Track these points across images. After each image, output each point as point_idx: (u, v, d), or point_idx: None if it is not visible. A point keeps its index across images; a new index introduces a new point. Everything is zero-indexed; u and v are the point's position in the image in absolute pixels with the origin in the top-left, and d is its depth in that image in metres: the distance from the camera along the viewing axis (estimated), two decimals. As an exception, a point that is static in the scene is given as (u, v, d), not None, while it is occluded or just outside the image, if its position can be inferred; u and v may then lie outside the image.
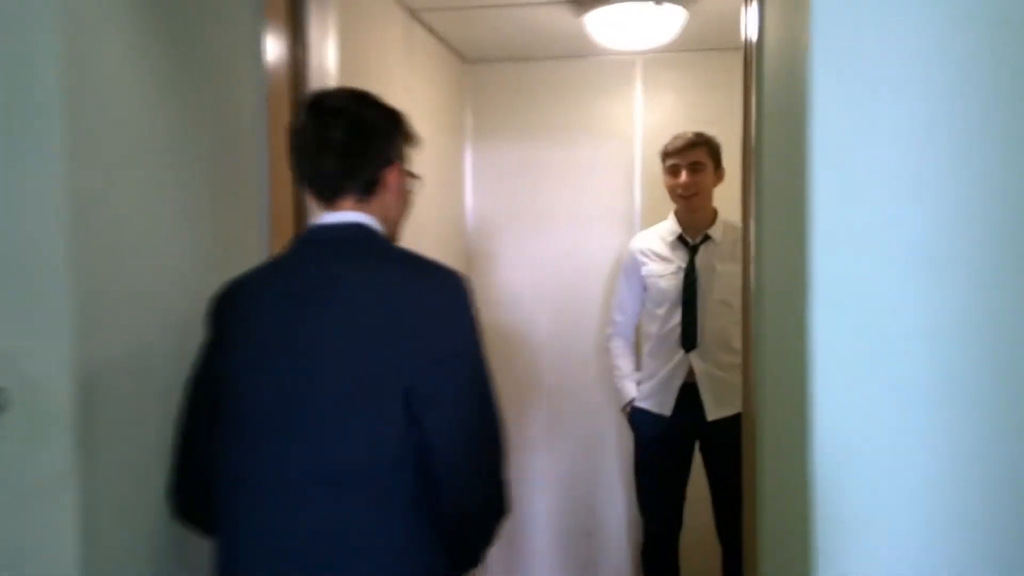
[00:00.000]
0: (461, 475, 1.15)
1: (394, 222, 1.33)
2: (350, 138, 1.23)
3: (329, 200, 1.26)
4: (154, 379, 1.29)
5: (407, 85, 2.73)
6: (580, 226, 3.47)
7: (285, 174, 1.58)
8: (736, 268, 2.54)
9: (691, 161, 2.54)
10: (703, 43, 3.20)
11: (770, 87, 1.44)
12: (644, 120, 3.39)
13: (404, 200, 1.35)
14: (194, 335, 1.29)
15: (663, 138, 3.33)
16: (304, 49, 1.87)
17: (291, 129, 1.29)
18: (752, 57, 1.60)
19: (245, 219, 1.62)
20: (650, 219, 3.36)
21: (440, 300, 1.19)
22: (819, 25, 1.00)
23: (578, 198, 3.45)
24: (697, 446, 2.69)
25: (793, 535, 1.15)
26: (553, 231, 3.48)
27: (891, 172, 1.00)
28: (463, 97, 3.50)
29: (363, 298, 1.15)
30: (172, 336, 1.33)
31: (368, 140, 1.25)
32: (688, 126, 3.42)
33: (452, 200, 3.34)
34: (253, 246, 1.64)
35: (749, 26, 1.62)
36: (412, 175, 1.36)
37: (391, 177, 1.28)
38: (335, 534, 1.10)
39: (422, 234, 2.78)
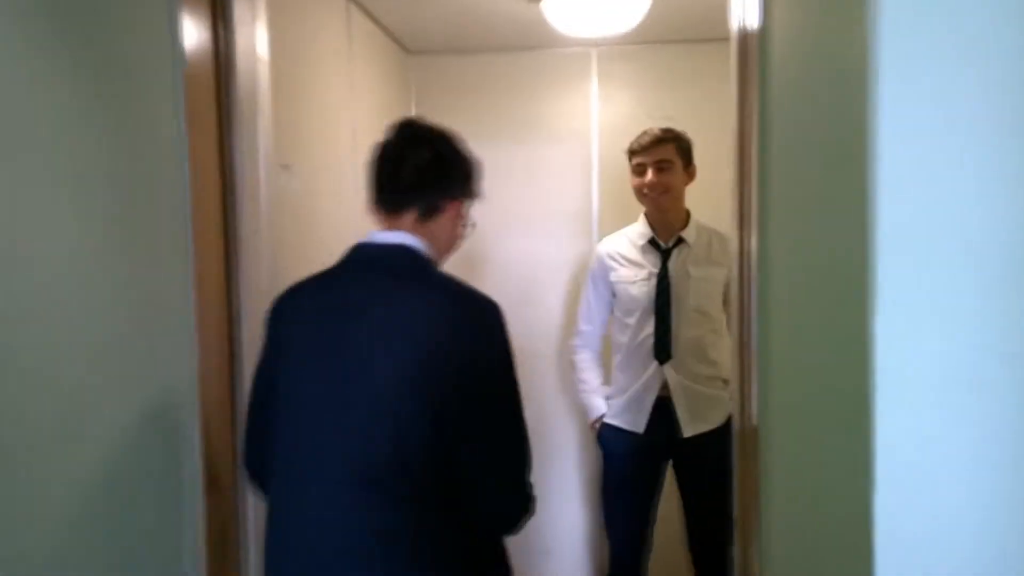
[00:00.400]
0: (491, 492, 1.29)
1: (440, 252, 1.44)
2: (433, 161, 1.39)
3: (393, 213, 1.39)
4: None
5: (346, 76, 2.47)
6: (534, 230, 3.26)
7: (208, 165, 1.31)
8: (712, 272, 2.37)
9: (658, 159, 2.36)
10: (664, 34, 3.04)
11: (781, 80, 1.26)
12: (601, 117, 3.20)
13: (454, 236, 1.48)
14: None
15: (621, 135, 3.17)
16: (229, 33, 1.61)
17: (379, 144, 1.43)
18: (750, 48, 1.42)
19: (158, 220, 1.36)
20: (608, 221, 3.19)
21: (474, 327, 1.30)
22: (886, 16, 0.82)
23: (532, 200, 3.24)
24: (670, 464, 2.51)
25: (831, 568, 0.98)
26: (505, 235, 3.26)
27: (968, 174, 0.82)
28: (407, 91, 3.25)
29: (403, 314, 1.26)
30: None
31: (447, 169, 1.42)
32: (648, 123, 3.25)
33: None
34: (169, 250, 1.39)
35: (747, 14, 1.43)
36: (468, 219, 1.50)
37: (451, 209, 1.43)
38: (361, 525, 1.22)
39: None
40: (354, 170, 2.50)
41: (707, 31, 3.04)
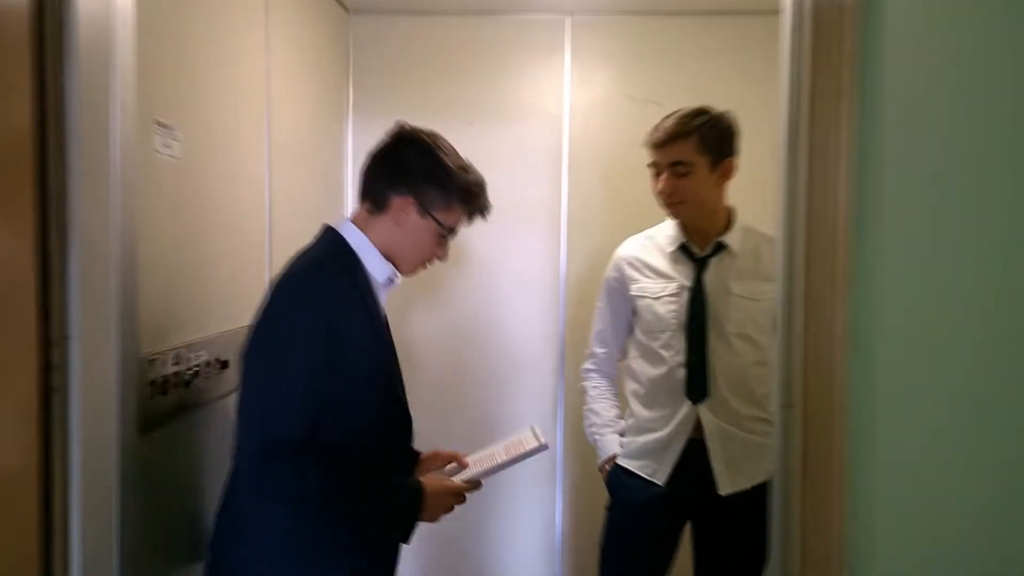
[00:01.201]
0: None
1: (398, 253, 1.50)
2: (390, 152, 1.49)
3: (359, 201, 1.52)
4: None
5: (261, 31, 1.94)
6: (491, 227, 2.77)
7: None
8: (760, 289, 1.86)
9: (673, 161, 1.84)
10: (651, 4, 2.60)
11: (911, 62, 0.83)
12: (574, 97, 2.73)
13: (414, 241, 1.49)
14: None
15: (597, 119, 2.72)
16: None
17: None
18: (831, 20, 0.99)
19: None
20: (580, 220, 2.73)
21: (270, 291, 1.39)
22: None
23: (490, 192, 2.75)
24: (689, 524, 2.01)
25: None
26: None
27: None
28: (344, 56, 2.73)
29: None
30: None
31: (399, 162, 1.47)
32: (626, 106, 2.80)
33: (328, 191, 2.57)
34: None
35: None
36: (437, 222, 1.49)
37: (396, 207, 1.46)
38: None
39: (289, 233, 2.04)
40: (268, 138, 1.98)
41: (703, 3, 2.61)
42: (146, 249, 1.38)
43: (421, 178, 1.45)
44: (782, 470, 1.23)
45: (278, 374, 1.33)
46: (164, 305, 1.45)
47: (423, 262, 1.53)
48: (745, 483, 1.87)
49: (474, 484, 1.57)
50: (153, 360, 1.39)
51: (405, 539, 1.47)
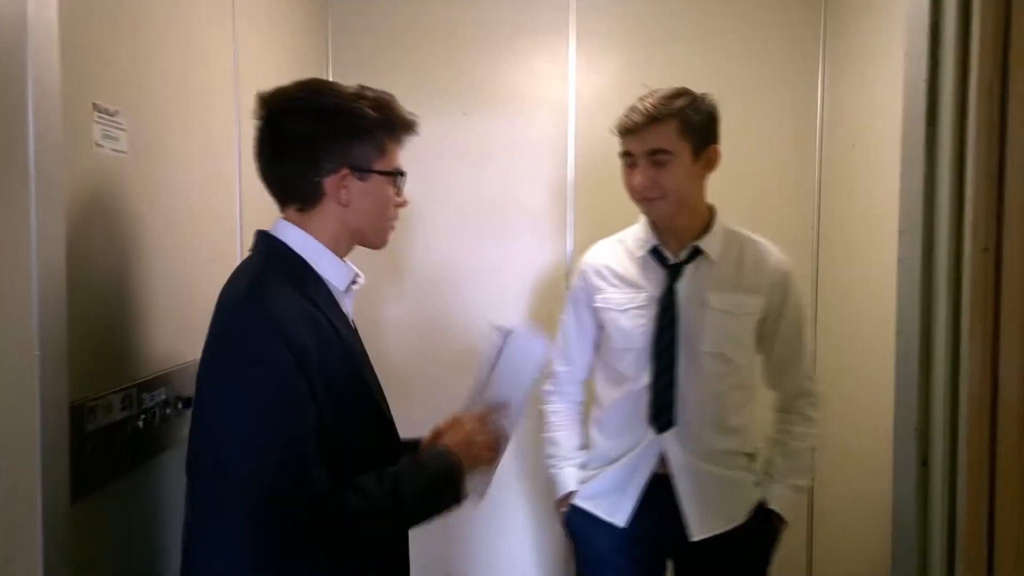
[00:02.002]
0: None
1: (361, 231, 1.27)
2: (271, 151, 1.21)
3: (281, 209, 1.25)
4: None
5: (227, 20, 1.67)
6: (490, 228, 2.51)
7: None
8: (742, 302, 1.63)
9: (650, 149, 1.56)
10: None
11: None
12: (580, 85, 2.48)
13: (369, 209, 1.25)
14: None
15: (605, 110, 2.44)
16: None
17: None
18: None
19: None
20: (588, 220, 2.47)
21: (215, 319, 1.15)
22: None
23: (488, 190, 2.50)
24: (671, 566, 1.77)
25: None
26: (451, 235, 2.50)
27: None
28: (322, 39, 2.45)
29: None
30: None
31: (285, 154, 1.20)
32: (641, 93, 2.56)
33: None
34: None
35: None
36: (383, 173, 1.24)
37: (332, 185, 1.20)
38: None
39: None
40: (238, 132, 1.70)
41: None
42: (80, 266, 1.10)
43: (334, 140, 1.18)
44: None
45: (264, 422, 1.07)
46: (105, 336, 1.17)
47: (391, 222, 1.30)
48: (719, 526, 1.63)
49: (486, 407, 1.37)
50: (93, 407, 1.11)
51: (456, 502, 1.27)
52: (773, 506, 1.66)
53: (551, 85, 2.48)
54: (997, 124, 0.83)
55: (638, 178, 1.58)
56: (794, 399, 1.73)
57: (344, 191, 1.20)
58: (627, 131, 1.60)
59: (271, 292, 1.13)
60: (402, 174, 1.28)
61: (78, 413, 1.07)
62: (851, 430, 2.23)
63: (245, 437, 1.07)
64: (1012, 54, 0.83)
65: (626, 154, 1.62)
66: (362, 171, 1.20)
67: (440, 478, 1.23)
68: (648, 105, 1.56)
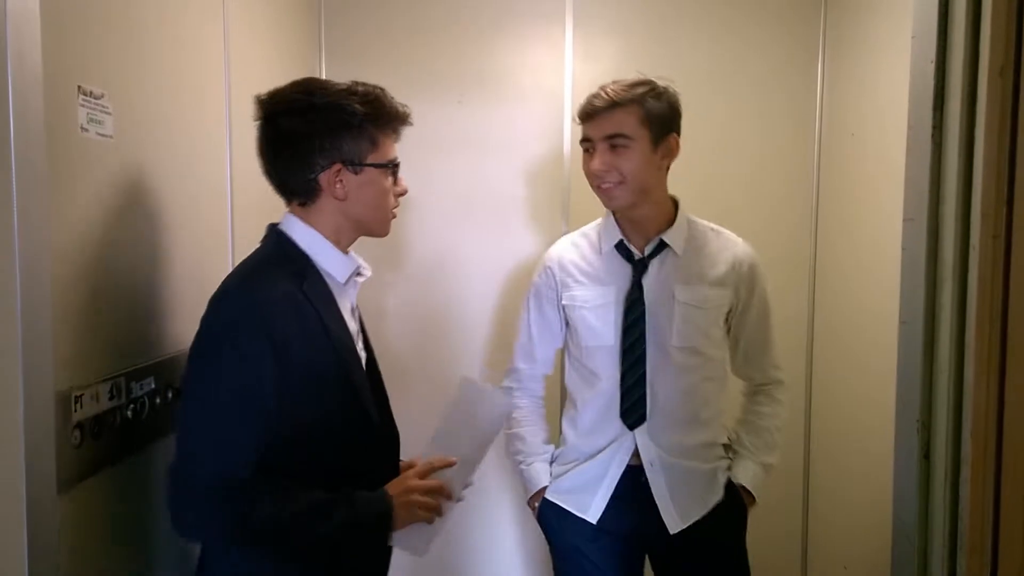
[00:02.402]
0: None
1: (363, 222, 1.31)
2: (271, 151, 1.26)
3: (286, 203, 1.30)
4: None
5: (217, 5, 1.64)
6: (484, 220, 2.48)
7: None
8: (709, 295, 1.62)
9: (608, 133, 1.55)
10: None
11: None
12: (577, 74, 2.45)
13: (368, 201, 1.29)
14: None
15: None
16: None
17: None
18: None
19: None
20: (584, 212, 2.44)
21: (206, 313, 1.16)
22: None
23: (482, 180, 2.47)
24: (648, 559, 1.77)
25: None
26: (445, 226, 2.47)
27: None
28: (315, 30, 2.42)
29: None
30: None
31: (281, 153, 1.25)
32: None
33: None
34: None
35: None
36: (376, 166, 1.27)
37: (327, 180, 1.25)
38: None
39: (257, 227, 1.74)
40: (228, 118, 1.67)
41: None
42: (65, 253, 1.07)
43: (326, 137, 1.22)
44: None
45: (219, 405, 1.12)
46: (92, 325, 1.14)
47: (391, 211, 1.34)
48: (697, 513, 1.64)
49: (438, 461, 1.33)
50: (79, 396, 1.08)
51: (379, 548, 1.28)
52: (742, 481, 1.66)
53: (548, 73, 2.45)
54: (1009, 108, 0.81)
55: (595, 162, 1.57)
56: (761, 385, 1.75)
57: (339, 185, 1.24)
58: (587, 116, 1.59)
59: (261, 284, 1.16)
60: (396, 165, 1.30)
61: (64, 402, 1.04)
62: (850, 422, 2.22)
63: (198, 419, 1.12)
64: (1024, 36, 0.80)
65: (585, 139, 1.61)
66: (355, 165, 1.24)
67: (365, 522, 1.21)
68: (609, 91, 1.56)
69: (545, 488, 1.73)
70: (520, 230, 2.48)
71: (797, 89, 2.43)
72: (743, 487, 1.66)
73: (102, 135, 1.17)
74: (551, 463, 1.76)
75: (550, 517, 1.72)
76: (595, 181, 1.59)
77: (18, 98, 0.92)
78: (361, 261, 1.34)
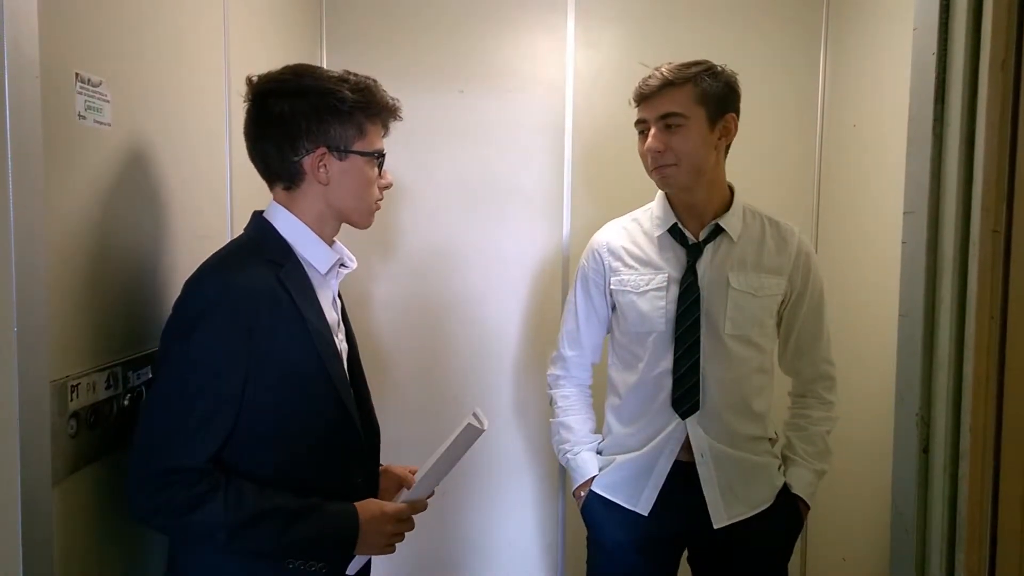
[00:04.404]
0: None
1: (343, 210, 1.29)
2: (255, 130, 1.25)
3: (270, 188, 1.29)
4: None
5: (216, 0, 1.62)
6: (485, 210, 2.47)
7: None
8: (764, 282, 1.60)
9: (663, 113, 1.53)
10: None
11: None
12: (579, 64, 2.43)
13: (350, 189, 1.27)
14: None
15: (604, 90, 2.43)
16: None
17: None
18: None
19: None
20: (584, 203, 2.44)
21: (178, 300, 1.16)
22: None
23: (482, 171, 2.46)
24: (685, 556, 1.75)
25: None
26: (445, 216, 2.47)
27: None
28: (315, 19, 2.40)
29: None
30: None
31: (267, 133, 1.24)
32: (640, 73, 2.54)
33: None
34: None
35: None
36: (362, 154, 1.26)
37: (311, 164, 1.24)
38: None
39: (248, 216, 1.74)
40: (228, 108, 1.66)
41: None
42: (62, 241, 1.07)
43: (313, 120, 1.21)
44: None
45: (181, 388, 1.11)
46: (89, 313, 1.14)
47: (375, 203, 1.32)
48: (744, 512, 1.61)
49: (418, 503, 1.31)
50: (76, 385, 1.08)
51: (337, 570, 1.24)
52: (798, 491, 1.63)
53: (549, 62, 2.43)
54: (1010, 101, 0.80)
55: (651, 141, 1.55)
56: (811, 383, 1.70)
57: (323, 170, 1.23)
58: (642, 97, 1.57)
59: (235, 271, 1.15)
60: (382, 155, 1.29)
61: (60, 391, 1.04)
62: (849, 415, 2.21)
63: (159, 401, 1.11)
64: (1027, 28, 0.79)
65: (640, 122, 1.59)
66: (340, 151, 1.23)
67: (328, 535, 1.19)
68: (664, 70, 1.55)
69: (594, 478, 1.70)
70: (520, 219, 2.47)
71: (799, 80, 2.42)
72: (799, 497, 1.63)
73: (100, 123, 1.16)
74: (598, 452, 1.74)
75: (597, 509, 1.68)
76: (650, 163, 1.58)
77: (14, 85, 0.91)
78: (347, 252, 1.33)
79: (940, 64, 0.91)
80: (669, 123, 1.53)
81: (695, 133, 1.54)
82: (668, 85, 1.53)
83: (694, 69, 1.54)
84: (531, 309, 2.49)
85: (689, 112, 1.53)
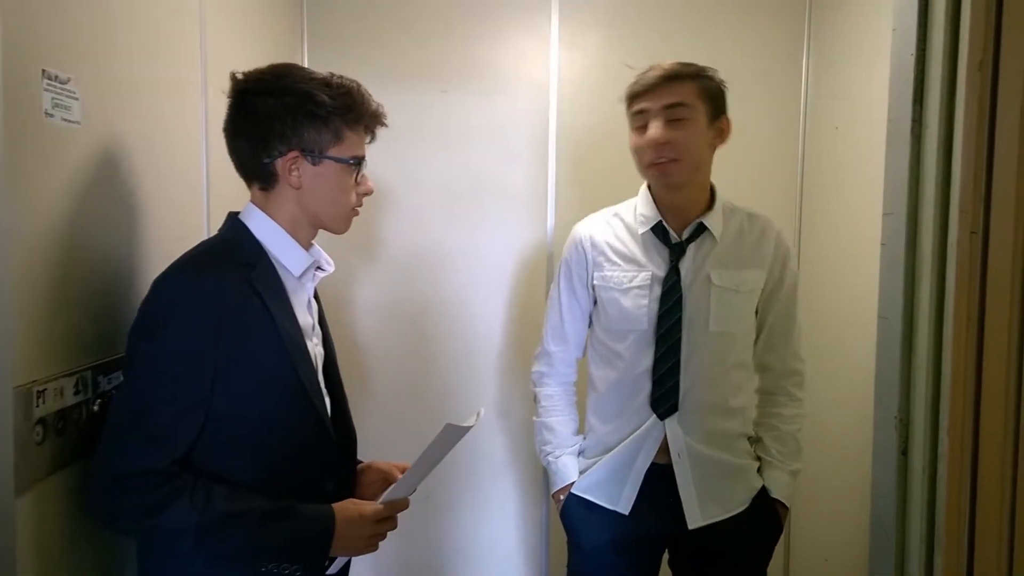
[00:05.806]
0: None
1: (317, 215, 1.26)
2: (232, 128, 1.23)
3: (248, 187, 1.27)
4: None
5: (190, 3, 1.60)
6: (468, 211, 2.46)
7: None
8: (745, 278, 1.58)
9: (668, 104, 1.50)
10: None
11: None
12: (563, 65, 2.42)
13: (324, 195, 1.24)
14: None
15: (588, 91, 2.42)
16: None
17: None
18: None
19: None
20: (568, 203, 2.43)
21: (144, 301, 1.13)
22: None
23: (466, 171, 2.44)
24: (666, 560, 1.74)
25: None
26: (430, 217, 2.45)
27: None
28: (296, 17, 2.38)
29: None
30: None
31: (242, 132, 1.22)
32: (626, 75, 2.53)
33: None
34: None
35: None
36: (336, 160, 1.23)
37: (284, 167, 1.21)
38: None
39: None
40: (205, 108, 1.64)
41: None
42: (27, 242, 1.04)
43: (288, 122, 1.18)
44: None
45: (144, 391, 1.08)
46: (57, 317, 1.11)
47: (352, 209, 1.28)
48: (718, 513, 1.60)
49: (399, 502, 1.27)
50: (42, 390, 1.06)
51: (313, 573, 1.20)
52: (776, 495, 1.62)
53: (533, 63, 2.42)
54: (987, 103, 0.80)
55: (653, 131, 1.50)
56: (781, 379, 1.69)
57: (295, 173, 1.20)
58: (645, 88, 1.52)
59: (203, 271, 1.13)
60: (359, 162, 1.25)
61: (24, 397, 1.01)
62: (829, 417, 2.21)
63: (123, 402, 1.09)
64: (1004, 30, 0.79)
65: (639, 113, 1.54)
66: (314, 156, 1.20)
67: (303, 538, 1.16)
68: (666, 64, 1.53)
69: (573, 483, 1.68)
70: (504, 219, 2.45)
71: (782, 82, 2.42)
72: (778, 500, 1.62)
73: (68, 121, 1.13)
74: (579, 454, 1.72)
75: (577, 512, 1.67)
76: (649, 156, 1.53)
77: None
78: (324, 256, 1.30)
79: (919, 65, 0.90)
80: (674, 115, 1.50)
81: (697, 128, 1.52)
82: (674, 77, 1.51)
83: (694, 67, 1.54)
84: (515, 311, 2.47)
85: (694, 104, 1.51)
